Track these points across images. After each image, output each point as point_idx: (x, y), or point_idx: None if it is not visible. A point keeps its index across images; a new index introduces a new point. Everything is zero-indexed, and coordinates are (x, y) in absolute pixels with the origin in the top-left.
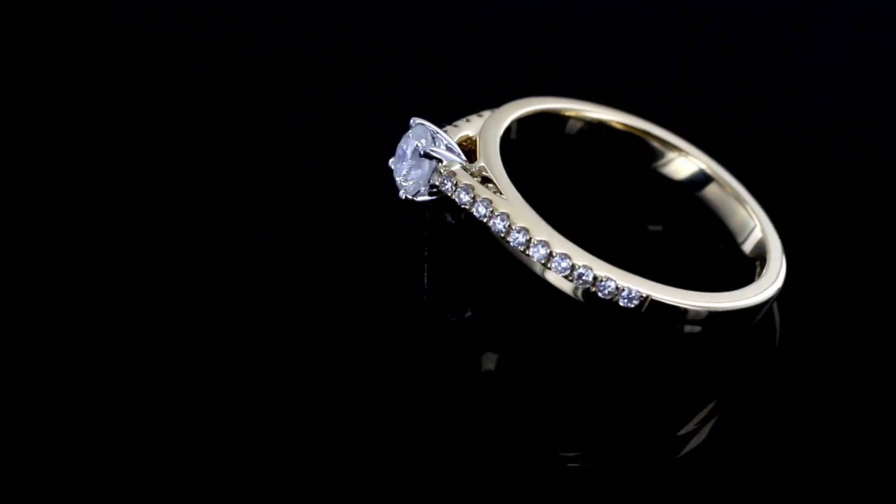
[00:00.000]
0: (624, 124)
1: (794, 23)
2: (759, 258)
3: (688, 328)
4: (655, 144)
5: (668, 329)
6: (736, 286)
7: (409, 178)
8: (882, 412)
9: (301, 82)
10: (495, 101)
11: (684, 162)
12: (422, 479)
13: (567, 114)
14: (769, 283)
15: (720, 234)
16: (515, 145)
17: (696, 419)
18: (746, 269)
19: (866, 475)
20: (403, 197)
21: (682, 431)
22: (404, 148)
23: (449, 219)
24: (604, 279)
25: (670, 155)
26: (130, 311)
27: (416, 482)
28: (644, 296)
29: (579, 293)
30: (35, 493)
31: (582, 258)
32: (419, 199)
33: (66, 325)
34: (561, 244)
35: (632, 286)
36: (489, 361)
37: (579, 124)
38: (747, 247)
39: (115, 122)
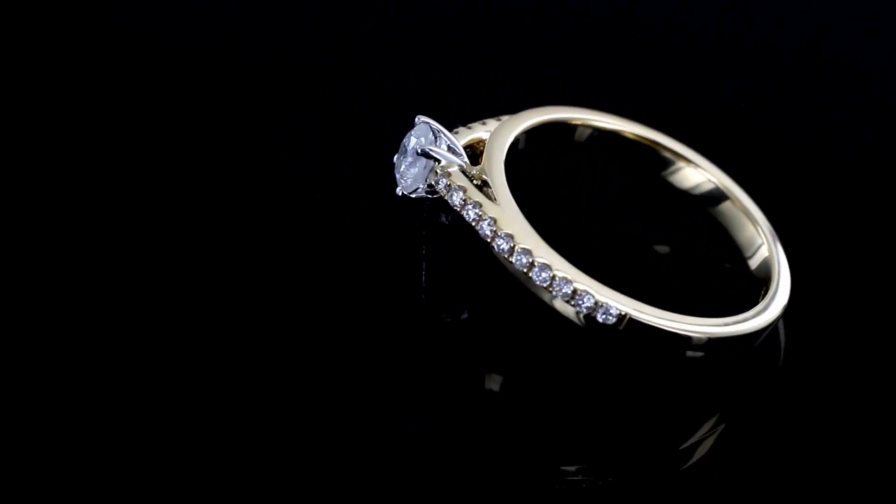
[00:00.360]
0: (636, 134)
1: (796, 24)
2: (764, 278)
3: (689, 353)
4: (666, 155)
5: (668, 353)
6: (740, 305)
7: (407, 175)
8: (887, 430)
9: (301, 82)
10: (495, 100)
11: (694, 174)
12: (422, 479)
13: (582, 123)
14: (761, 310)
15: (728, 248)
16: (529, 153)
17: (699, 433)
18: (752, 287)
19: (868, 492)
20: (400, 193)
21: (685, 445)
22: (406, 145)
23: (444, 219)
24: (582, 293)
25: (679, 165)
26: (131, 311)
27: (415, 482)
28: (622, 313)
29: (581, 318)
30: (36, 493)
31: (563, 269)
32: (414, 195)
33: (67, 324)
34: (544, 254)
35: (610, 302)
36: (493, 381)
37: (589, 132)
38: (753, 263)
39: (115, 122)
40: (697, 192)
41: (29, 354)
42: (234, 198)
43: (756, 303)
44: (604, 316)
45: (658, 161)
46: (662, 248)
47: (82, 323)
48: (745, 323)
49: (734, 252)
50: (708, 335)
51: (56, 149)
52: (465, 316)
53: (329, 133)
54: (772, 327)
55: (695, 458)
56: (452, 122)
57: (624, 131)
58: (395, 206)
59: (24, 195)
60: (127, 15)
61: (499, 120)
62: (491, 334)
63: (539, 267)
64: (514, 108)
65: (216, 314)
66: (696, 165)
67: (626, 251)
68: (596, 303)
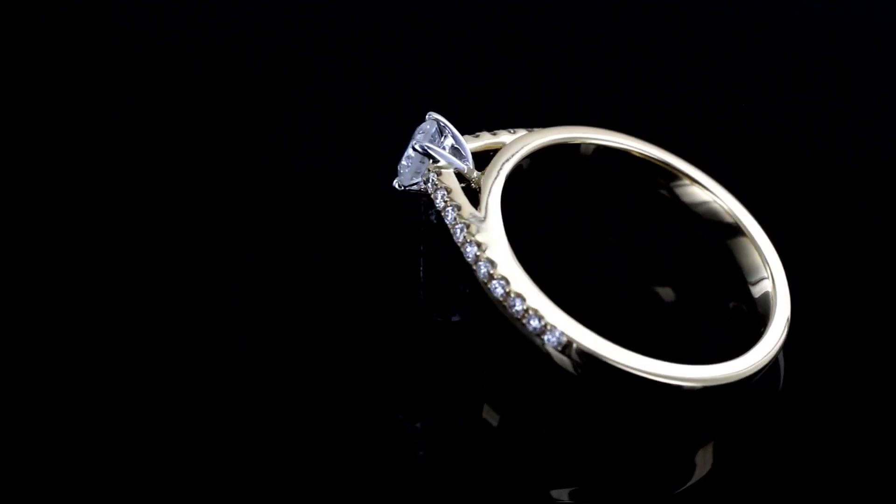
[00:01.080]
0: (644, 153)
1: (795, 24)
2: (762, 314)
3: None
4: (674, 174)
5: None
6: (740, 337)
7: (407, 169)
8: (886, 456)
9: (301, 82)
10: (497, 103)
11: (701, 192)
12: (421, 478)
13: (592, 143)
14: (738, 360)
15: (732, 270)
16: (541, 170)
17: (695, 457)
18: (753, 318)
19: None
20: (396, 185)
21: (680, 468)
22: (412, 138)
23: (432, 217)
24: (532, 312)
25: (686, 182)
26: (130, 311)
27: (415, 482)
28: (567, 341)
29: (577, 366)
30: (35, 494)
31: (519, 285)
32: (407, 189)
33: (66, 324)
34: (506, 267)
35: (559, 327)
36: (490, 414)
37: (593, 148)
38: (756, 292)
39: (115, 122)
40: (702, 210)
41: (29, 354)
42: (234, 197)
43: (756, 337)
44: (550, 341)
45: (666, 179)
46: (667, 293)
47: (82, 322)
48: (714, 371)
49: (737, 275)
50: (668, 377)
51: (57, 148)
52: (456, 318)
53: (329, 133)
54: (755, 377)
55: (690, 482)
56: (482, 128)
57: (632, 150)
58: (394, 205)
59: (24, 195)
60: (127, 15)
61: (530, 131)
62: (486, 337)
63: (497, 279)
64: (516, 110)
65: (216, 314)
66: (707, 189)
67: (630, 274)
68: (545, 325)
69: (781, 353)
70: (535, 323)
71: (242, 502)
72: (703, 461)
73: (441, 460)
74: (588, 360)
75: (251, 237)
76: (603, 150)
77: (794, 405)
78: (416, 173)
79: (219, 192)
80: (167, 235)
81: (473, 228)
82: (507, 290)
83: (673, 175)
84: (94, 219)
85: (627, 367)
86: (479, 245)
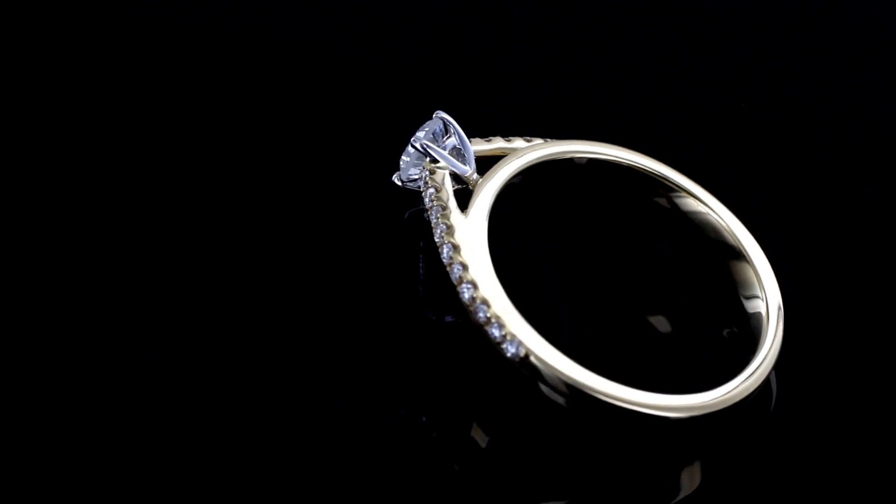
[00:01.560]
0: (644, 167)
1: (796, 26)
2: (755, 333)
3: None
4: (672, 187)
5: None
6: (730, 357)
7: (405, 164)
8: (881, 477)
9: (301, 82)
10: (495, 104)
11: (699, 208)
12: (421, 478)
13: (599, 158)
14: (713, 391)
15: (724, 281)
16: (544, 183)
17: (682, 477)
18: (745, 336)
19: None
20: (396, 180)
21: (668, 487)
22: (416, 134)
23: (426, 215)
24: (494, 321)
25: (682, 196)
26: (128, 312)
27: (415, 482)
28: (525, 353)
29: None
30: (33, 494)
31: (487, 291)
32: (402, 184)
33: (62, 325)
34: (477, 271)
35: (518, 336)
36: (478, 434)
37: (586, 160)
38: (749, 308)
39: (114, 121)
40: (698, 220)
41: (28, 352)
42: (234, 198)
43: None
44: (508, 350)
45: (666, 191)
46: (662, 324)
47: (80, 322)
48: (696, 400)
49: (731, 289)
50: (588, 389)
51: (56, 148)
52: (449, 319)
53: (329, 133)
54: (745, 403)
55: (677, 499)
56: (497, 134)
57: (638, 165)
58: (395, 203)
59: (25, 195)
60: (127, 14)
61: (546, 141)
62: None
63: (466, 283)
64: (516, 113)
65: (215, 314)
66: (707, 205)
67: (623, 290)
68: (505, 334)
69: (773, 373)
70: (495, 331)
71: (241, 501)
72: (690, 479)
73: (432, 467)
74: (569, 389)
75: (250, 235)
76: (601, 164)
77: (785, 426)
78: (415, 169)
79: (219, 193)
80: (167, 236)
81: (452, 230)
82: (474, 294)
83: (672, 189)
84: (93, 219)
85: (593, 390)
86: (454, 247)
